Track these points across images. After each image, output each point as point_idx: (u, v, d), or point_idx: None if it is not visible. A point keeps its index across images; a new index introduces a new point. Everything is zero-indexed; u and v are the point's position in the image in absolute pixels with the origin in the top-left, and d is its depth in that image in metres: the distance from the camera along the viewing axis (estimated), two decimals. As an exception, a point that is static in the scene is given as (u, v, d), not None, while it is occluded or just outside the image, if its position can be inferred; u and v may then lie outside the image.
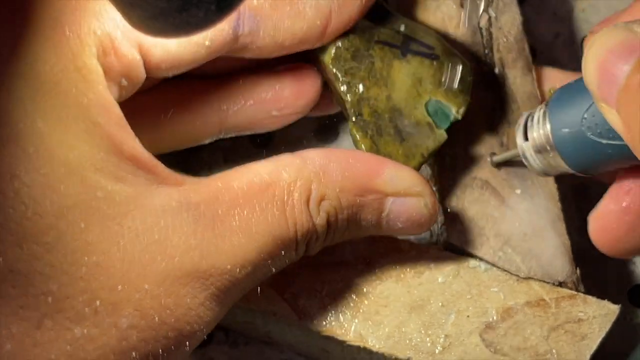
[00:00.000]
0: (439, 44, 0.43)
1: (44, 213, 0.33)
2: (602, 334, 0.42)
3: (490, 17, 0.46)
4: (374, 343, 0.42)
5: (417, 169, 0.41)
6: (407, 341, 0.42)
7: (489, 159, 0.44)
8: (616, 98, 0.32)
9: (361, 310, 0.42)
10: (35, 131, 0.33)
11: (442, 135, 0.42)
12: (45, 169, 0.33)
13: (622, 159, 0.36)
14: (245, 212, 0.36)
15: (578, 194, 0.50)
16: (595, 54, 0.33)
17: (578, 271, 0.44)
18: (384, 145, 0.41)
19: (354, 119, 0.41)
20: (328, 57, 0.41)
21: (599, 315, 0.42)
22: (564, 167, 0.38)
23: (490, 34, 0.46)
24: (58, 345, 0.32)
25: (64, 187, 0.33)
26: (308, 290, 0.42)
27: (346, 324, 0.42)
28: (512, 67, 0.46)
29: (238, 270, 0.36)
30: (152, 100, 0.41)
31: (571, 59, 0.54)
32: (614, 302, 0.43)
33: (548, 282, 0.43)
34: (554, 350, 0.42)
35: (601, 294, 0.43)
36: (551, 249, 0.44)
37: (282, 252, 0.37)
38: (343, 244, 0.43)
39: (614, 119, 0.33)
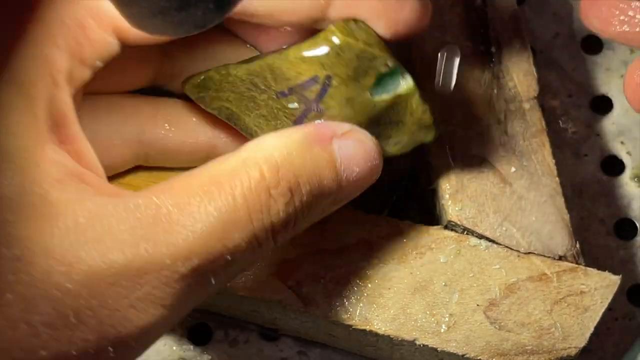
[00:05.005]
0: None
1: None
2: (605, 305, 0.42)
3: (485, -4, 0.46)
4: (379, 326, 0.42)
5: None
6: (413, 322, 0.42)
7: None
8: None
9: (365, 294, 0.42)
10: None
11: None
12: None
13: None
14: (194, 201, 0.33)
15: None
16: None
17: (578, 245, 0.44)
18: None
19: None
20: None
21: (600, 287, 0.43)
22: None
23: (485, 12, 0.45)
24: None
25: (2, 176, 0.32)
26: (312, 277, 0.42)
27: (351, 308, 0.42)
28: (507, 45, 0.46)
29: (180, 264, 0.32)
30: None
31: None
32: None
33: (548, 257, 0.43)
34: (558, 324, 0.42)
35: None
36: (550, 223, 0.44)
37: (242, 242, 0.34)
38: (345, 228, 0.43)
39: None
